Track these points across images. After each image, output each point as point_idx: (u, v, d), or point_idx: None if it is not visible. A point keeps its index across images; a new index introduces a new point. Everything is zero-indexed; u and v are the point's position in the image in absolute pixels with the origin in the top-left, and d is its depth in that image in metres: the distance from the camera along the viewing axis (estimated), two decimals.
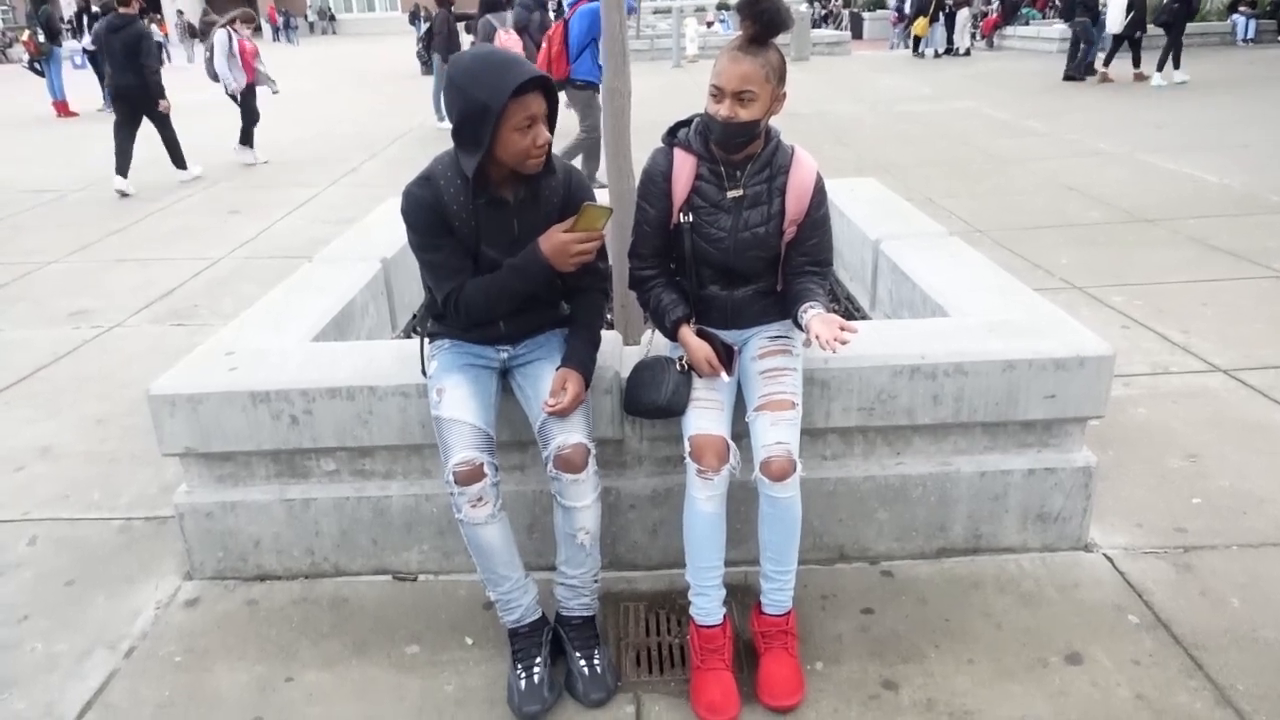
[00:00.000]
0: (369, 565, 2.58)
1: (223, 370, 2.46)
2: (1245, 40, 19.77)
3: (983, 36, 23.45)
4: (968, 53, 20.76)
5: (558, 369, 2.13)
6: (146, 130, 8.52)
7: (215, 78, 9.48)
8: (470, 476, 1.98)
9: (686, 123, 2.24)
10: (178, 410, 2.39)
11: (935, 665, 2.17)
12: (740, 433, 2.17)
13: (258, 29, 9.79)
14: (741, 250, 2.19)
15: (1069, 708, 2.03)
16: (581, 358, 2.16)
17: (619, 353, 2.48)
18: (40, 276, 5.86)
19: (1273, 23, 20.49)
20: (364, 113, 14.18)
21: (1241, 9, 20.06)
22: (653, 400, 2.16)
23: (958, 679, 2.13)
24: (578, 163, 7.05)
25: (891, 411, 2.42)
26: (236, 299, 5.17)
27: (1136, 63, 14.09)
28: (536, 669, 2.10)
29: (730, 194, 2.18)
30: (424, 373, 2.27)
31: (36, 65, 15.08)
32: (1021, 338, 2.47)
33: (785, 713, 2.04)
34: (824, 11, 32.49)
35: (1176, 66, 13.54)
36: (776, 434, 2.06)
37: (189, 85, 14.02)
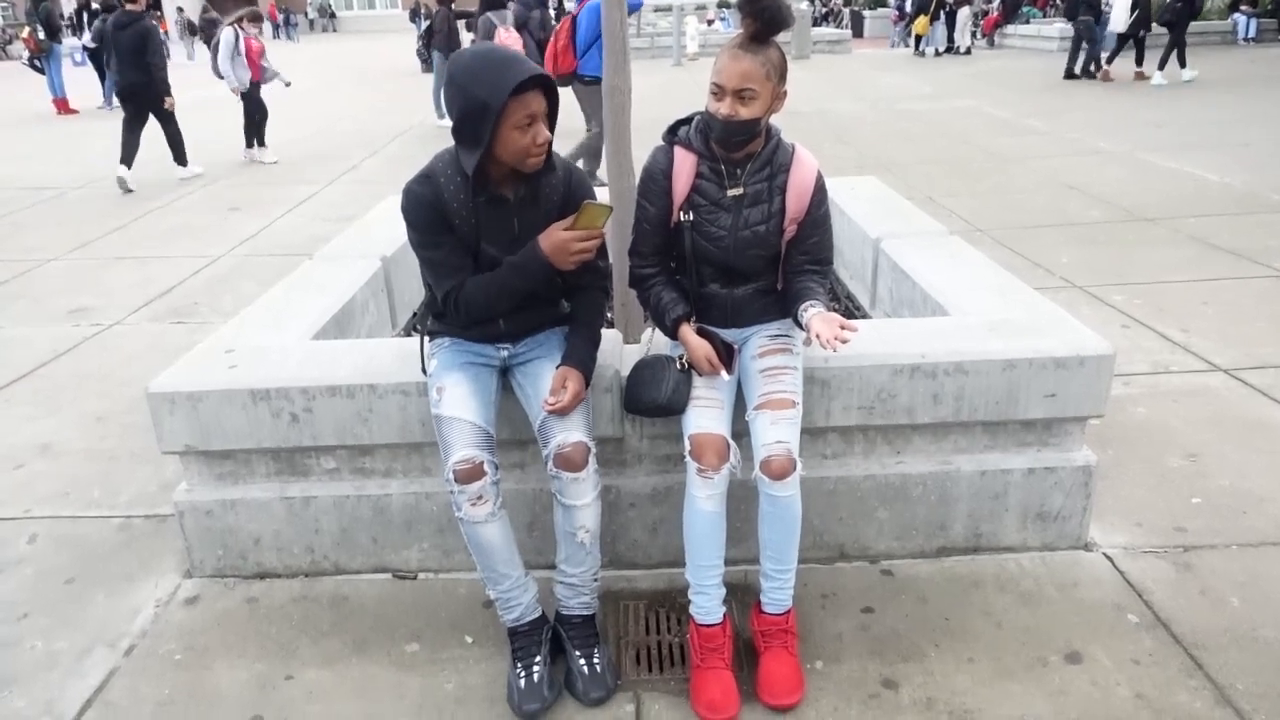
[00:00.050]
0: (369, 563, 2.58)
1: (223, 368, 2.46)
2: (1246, 39, 19.77)
3: (983, 35, 23.44)
4: (968, 51, 20.75)
5: (558, 367, 2.13)
6: (150, 126, 8.54)
7: (221, 75, 9.49)
8: (470, 475, 1.98)
9: (687, 121, 2.23)
10: (177, 408, 2.39)
11: (935, 664, 2.17)
12: (740, 431, 2.17)
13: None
14: (742, 249, 2.19)
15: (1069, 707, 2.03)
16: (582, 356, 2.16)
17: (619, 351, 2.48)
18: (40, 274, 5.86)
19: (1273, 21, 20.47)
20: (364, 110, 14.17)
21: (1242, 8, 20.05)
22: (653, 399, 2.15)
23: (958, 678, 2.13)
24: (581, 162, 7.05)
25: (892, 410, 2.42)
26: (236, 297, 5.17)
27: (1139, 61, 14.08)
28: (536, 667, 2.09)
29: (731, 192, 2.17)
30: (424, 371, 2.27)
31: (36, 62, 15.07)
32: (1022, 337, 2.47)
33: (785, 711, 2.04)
34: (825, 10, 32.45)
35: (1183, 65, 13.53)
36: (776, 433, 2.06)
37: (190, 82, 14.01)
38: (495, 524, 2.05)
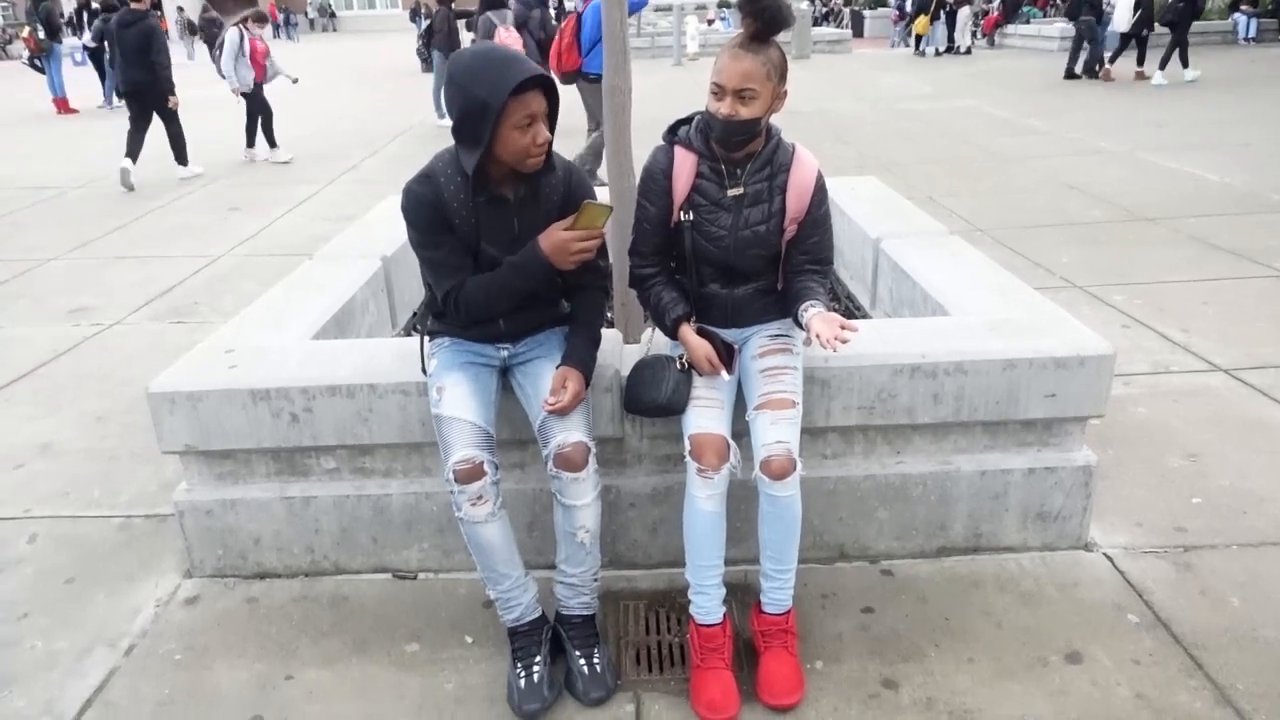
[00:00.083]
0: (369, 563, 2.58)
1: (223, 368, 2.46)
2: (1246, 39, 19.76)
3: (984, 35, 23.44)
4: (968, 51, 20.74)
5: (558, 367, 2.13)
6: (153, 125, 8.55)
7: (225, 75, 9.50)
8: (470, 475, 1.98)
9: (687, 120, 2.23)
10: (177, 408, 2.39)
11: (935, 664, 2.17)
12: (740, 431, 2.17)
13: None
14: (742, 248, 2.19)
15: (1069, 707, 2.03)
16: (582, 356, 2.16)
17: (619, 351, 2.48)
18: (40, 273, 5.86)
19: (1274, 21, 20.47)
20: (364, 110, 14.17)
21: (1243, 8, 20.04)
22: (653, 398, 2.15)
23: (958, 678, 2.13)
24: (580, 161, 7.04)
25: (892, 410, 2.42)
26: (236, 296, 5.17)
27: (1140, 61, 14.07)
28: (536, 667, 2.09)
29: (731, 192, 2.17)
30: (424, 371, 2.27)
31: (37, 62, 15.08)
32: (1022, 337, 2.47)
33: (785, 711, 2.04)
34: (825, 9, 32.44)
35: (1185, 65, 13.52)
36: (776, 433, 2.06)
37: (189, 82, 13.98)
38: (495, 524, 2.05)
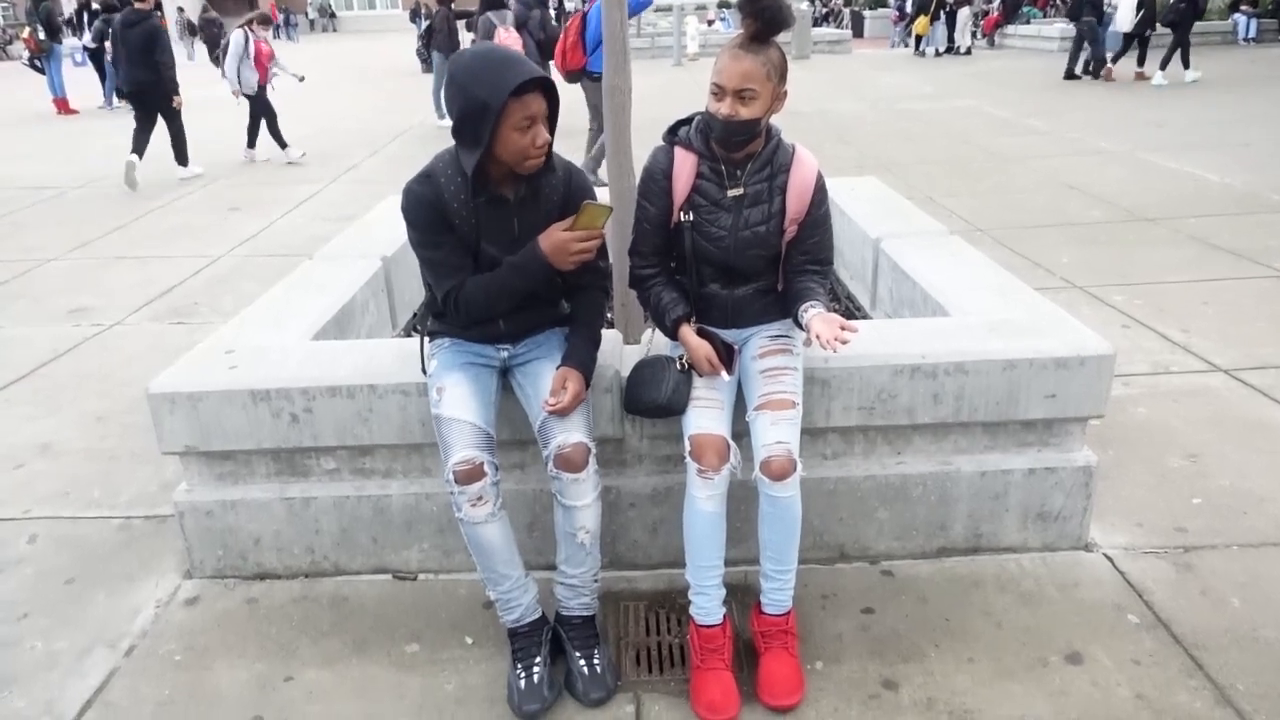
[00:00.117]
0: (369, 564, 2.58)
1: (223, 368, 2.46)
2: (1246, 39, 19.76)
3: (984, 35, 23.43)
4: (968, 51, 20.74)
5: (558, 368, 2.13)
6: (158, 124, 8.57)
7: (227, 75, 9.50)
8: (470, 475, 1.98)
9: (687, 121, 2.23)
10: (177, 408, 2.39)
11: (935, 664, 2.17)
12: (740, 432, 2.17)
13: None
14: (742, 249, 2.19)
15: (1069, 707, 2.03)
16: (582, 356, 2.16)
17: (619, 351, 2.47)
18: (40, 274, 5.86)
19: (1274, 22, 20.47)
20: (365, 110, 14.18)
21: (1243, 8, 20.05)
22: (653, 399, 2.15)
23: (958, 678, 2.13)
24: (577, 160, 7.05)
25: (892, 411, 2.42)
26: (237, 297, 5.17)
27: (1141, 61, 14.07)
28: (536, 668, 2.09)
29: (731, 192, 2.17)
30: (424, 371, 2.27)
31: (37, 62, 15.08)
32: (1022, 337, 2.47)
33: (785, 712, 2.04)
34: (825, 10, 32.45)
35: (1186, 66, 13.52)
36: (777, 433, 2.06)
37: (190, 82, 13.98)
38: (495, 525, 2.05)
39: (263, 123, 9.65)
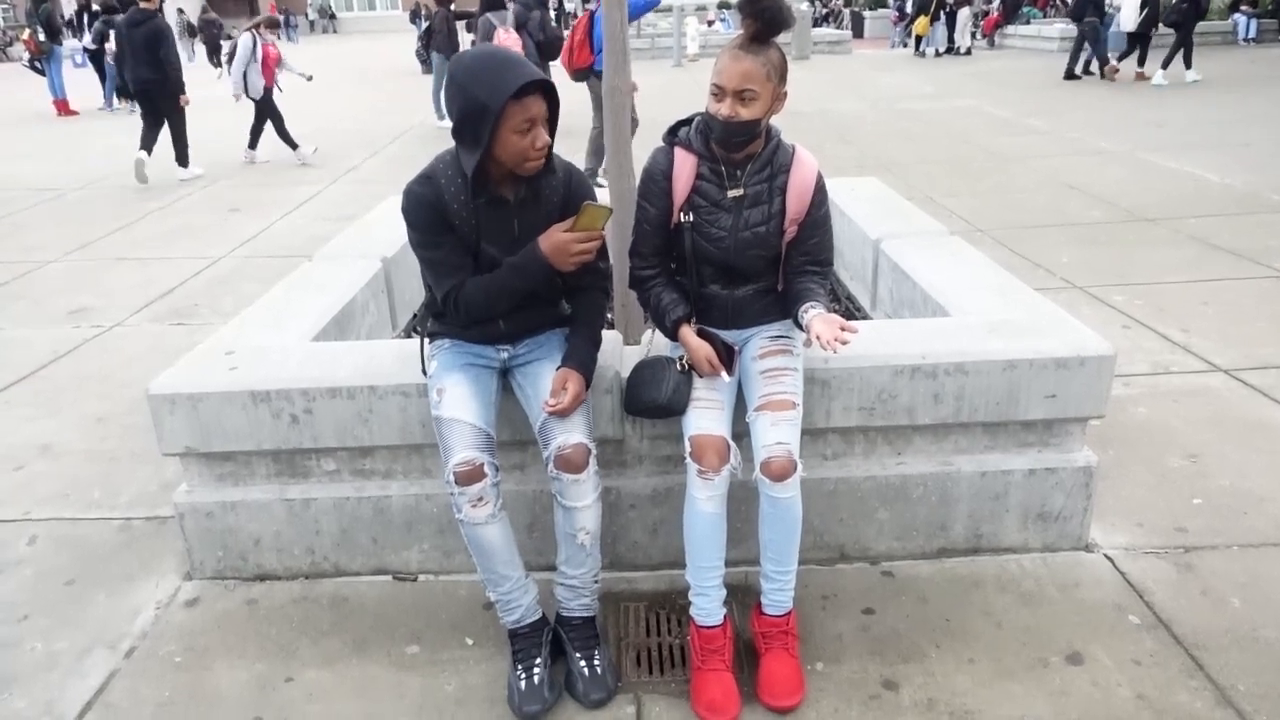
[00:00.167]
0: (369, 565, 2.58)
1: (223, 369, 2.46)
2: (1246, 39, 19.76)
3: (984, 35, 23.43)
4: (968, 52, 20.75)
5: (558, 369, 2.13)
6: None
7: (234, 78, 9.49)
8: (470, 476, 1.98)
9: (687, 122, 2.23)
10: (178, 409, 2.39)
11: (936, 665, 2.17)
12: (741, 432, 2.17)
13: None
14: (742, 249, 2.19)
15: (1069, 707, 2.03)
16: (582, 357, 2.16)
17: (619, 352, 2.47)
18: (40, 275, 5.86)
19: (1274, 22, 20.47)
20: (365, 110, 14.18)
21: (1243, 8, 20.05)
22: (653, 399, 2.15)
23: (958, 678, 2.13)
24: (579, 161, 7.05)
25: (892, 411, 2.42)
26: (237, 297, 5.17)
27: (1141, 61, 14.06)
28: (537, 669, 2.09)
29: (731, 193, 2.17)
30: (424, 372, 2.27)
31: (37, 64, 15.08)
32: (1022, 337, 2.47)
33: (786, 713, 2.04)
34: (825, 10, 32.45)
35: (1188, 66, 13.52)
36: (777, 434, 2.06)
37: (190, 83, 14.00)
38: (495, 526, 2.05)
39: (268, 126, 9.64)
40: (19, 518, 2.98)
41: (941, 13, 20.34)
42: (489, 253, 2.12)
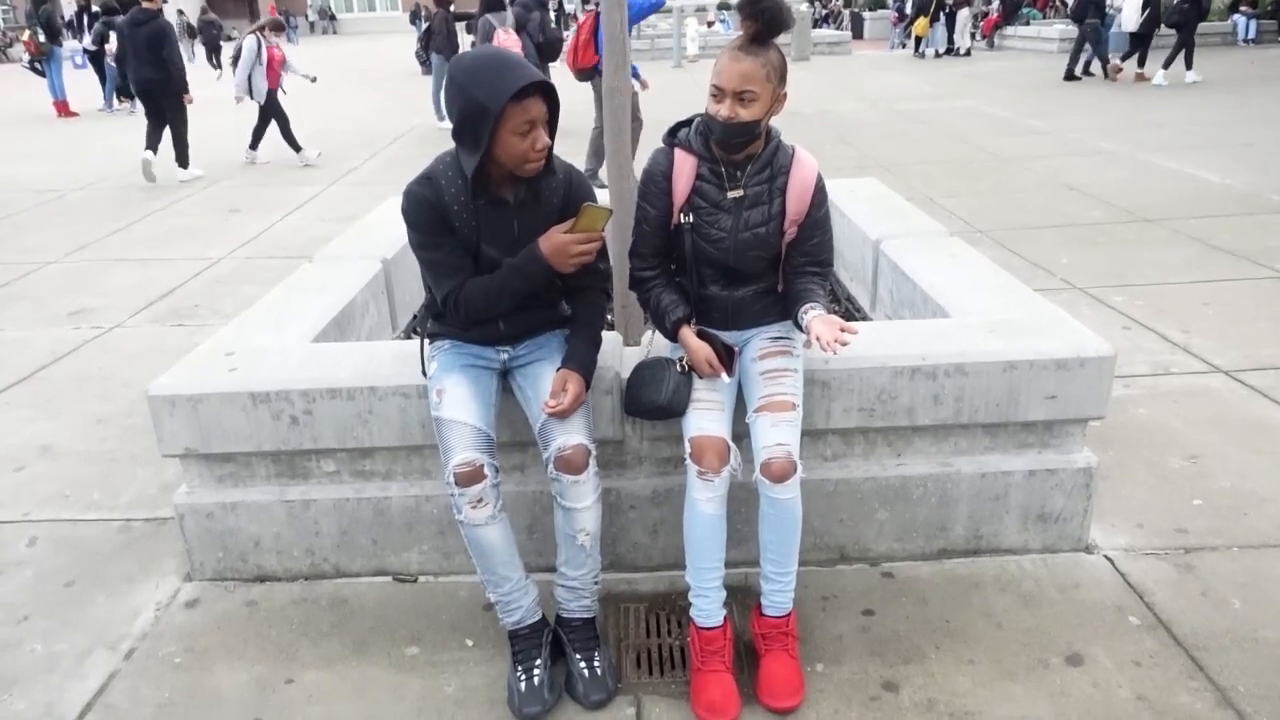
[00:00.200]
0: (369, 566, 2.58)
1: (223, 370, 2.46)
2: (1246, 40, 19.78)
3: (983, 36, 23.45)
4: (968, 53, 20.76)
5: (558, 370, 2.13)
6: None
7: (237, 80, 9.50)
8: (470, 478, 1.98)
9: (687, 123, 2.23)
10: (178, 410, 2.39)
11: (936, 666, 2.17)
12: (741, 433, 2.17)
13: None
14: (742, 250, 2.19)
15: (1070, 708, 2.03)
16: (582, 358, 2.16)
17: (619, 353, 2.47)
18: (40, 276, 5.86)
19: (1273, 23, 20.49)
20: (364, 111, 14.19)
21: (1242, 9, 20.07)
22: (653, 400, 2.15)
23: (958, 680, 2.13)
24: (578, 161, 7.05)
25: (892, 412, 2.42)
26: (237, 299, 5.17)
27: (1141, 62, 14.07)
28: (537, 670, 2.09)
29: (731, 194, 2.17)
30: (424, 373, 2.27)
31: (37, 65, 15.09)
32: (1022, 338, 2.47)
33: (786, 714, 2.04)
34: (824, 11, 32.47)
35: (1189, 67, 13.52)
36: (777, 435, 2.06)
37: (191, 83, 14.02)
38: (495, 527, 2.05)
39: (272, 127, 9.64)
40: (19, 519, 2.98)
41: (941, 14, 20.35)
42: (489, 254, 2.12)
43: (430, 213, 2.07)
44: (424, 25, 18.53)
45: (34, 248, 6.56)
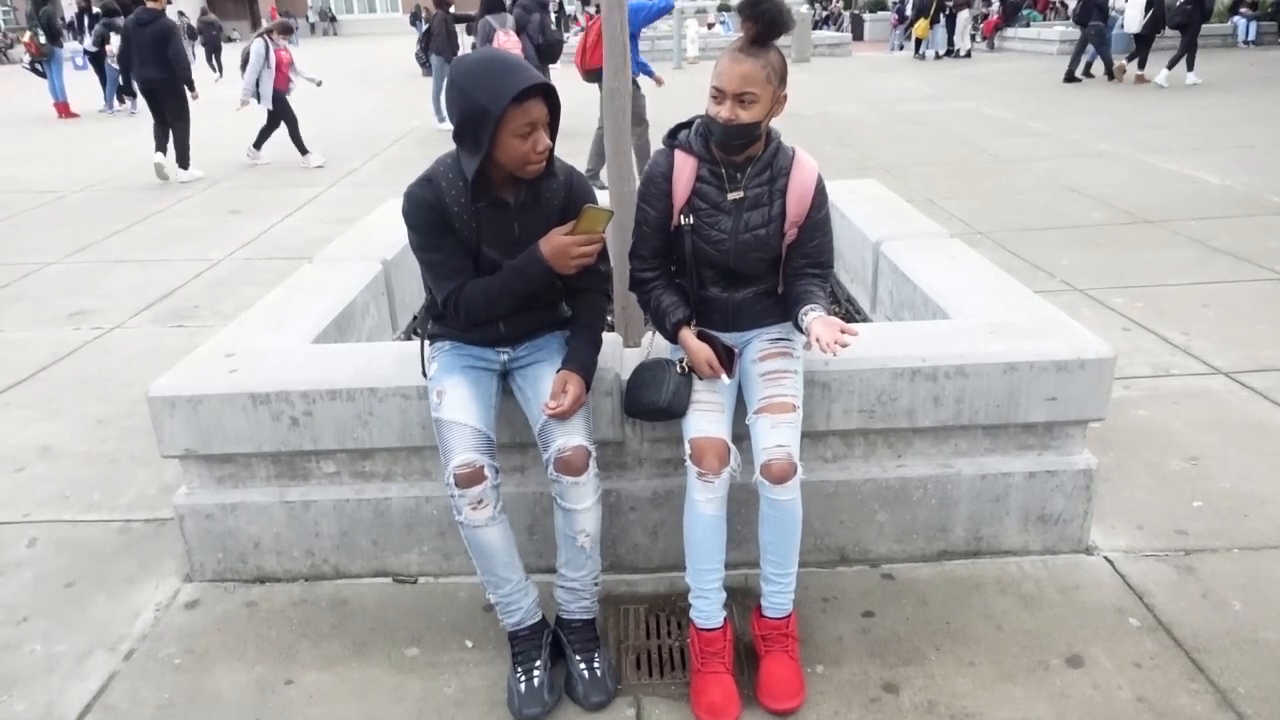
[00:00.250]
0: (369, 567, 2.58)
1: (223, 371, 2.46)
2: (1246, 42, 19.80)
3: (983, 38, 23.47)
4: (968, 54, 20.77)
5: (558, 371, 2.13)
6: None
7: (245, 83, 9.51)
8: (471, 479, 1.98)
9: (687, 124, 2.23)
10: (178, 411, 2.39)
11: (936, 667, 2.17)
12: (741, 435, 2.17)
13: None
14: (742, 252, 2.19)
15: (1070, 710, 2.03)
16: (582, 360, 2.16)
17: (619, 354, 2.47)
18: (41, 277, 5.86)
19: (1274, 24, 20.50)
20: (365, 113, 14.19)
21: (1243, 10, 20.09)
22: (653, 402, 2.15)
23: (958, 681, 2.12)
24: (580, 162, 7.03)
25: (892, 413, 2.42)
26: (237, 300, 5.17)
27: (1142, 64, 14.08)
28: (536, 672, 2.09)
29: (731, 196, 2.17)
30: (424, 374, 2.27)
31: (37, 66, 15.10)
32: (1022, 339, 2.47)
33: (786, 715, 2.04)
34: (825, 13, 32.49)
35: (1190, 68, 13.53)
36: (777, 436, 2.06)
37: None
38: (495, 528, 2.05)
39: (281, 128, 9.63)
40: (19, 520, 2.98)
41: (941, 15, 20.36)
42: (489, 255, 2.12)
43: (431, 214, 2.07)
44: (424, 27, 18.55)
45: (34, 249, 6.56)
